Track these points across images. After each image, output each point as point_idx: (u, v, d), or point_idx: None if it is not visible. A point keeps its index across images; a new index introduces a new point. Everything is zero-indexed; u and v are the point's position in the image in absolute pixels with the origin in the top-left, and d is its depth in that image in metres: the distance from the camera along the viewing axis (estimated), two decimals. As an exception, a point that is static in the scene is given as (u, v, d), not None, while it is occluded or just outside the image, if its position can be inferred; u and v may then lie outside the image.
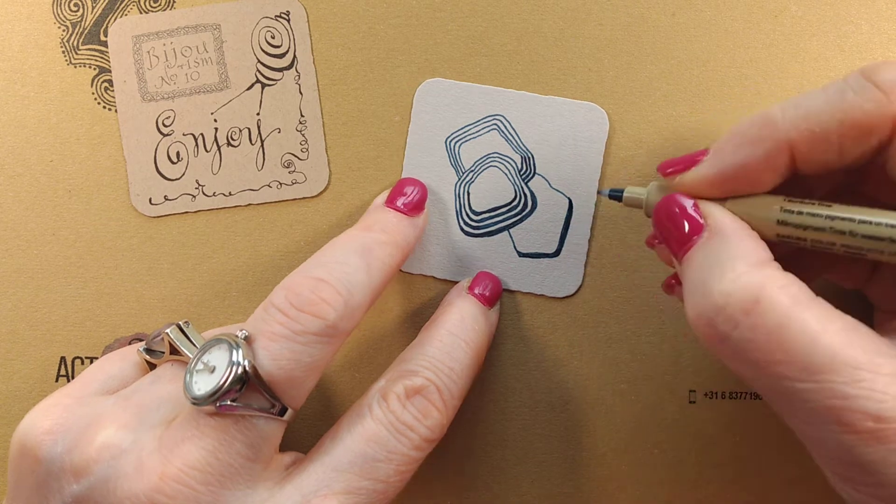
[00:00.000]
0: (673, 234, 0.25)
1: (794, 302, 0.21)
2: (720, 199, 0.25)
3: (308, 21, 0.33)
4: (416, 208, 0.31)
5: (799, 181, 0.25)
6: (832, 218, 0.23)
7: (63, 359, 0.34)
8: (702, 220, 0.24)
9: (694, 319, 0.23)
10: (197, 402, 0.25)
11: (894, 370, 0.20)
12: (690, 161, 0.25)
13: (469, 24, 0.33)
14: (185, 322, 0.28)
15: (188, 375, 0.25)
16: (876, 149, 0.22)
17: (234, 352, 0.25)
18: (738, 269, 0.22)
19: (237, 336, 0.26)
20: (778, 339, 0.21)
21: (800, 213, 0.24)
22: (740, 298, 0.22)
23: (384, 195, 0.31)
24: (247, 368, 0.25)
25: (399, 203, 0.31)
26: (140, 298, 0.34)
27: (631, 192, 0.28)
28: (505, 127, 0.33)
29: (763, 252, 0.23)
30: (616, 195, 0.28)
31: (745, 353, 0.22)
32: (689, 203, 0.25)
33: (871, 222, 0.22)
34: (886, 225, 0.22)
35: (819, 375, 0.21)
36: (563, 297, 0.33)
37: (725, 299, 0.22)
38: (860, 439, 0.20)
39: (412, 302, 0.33)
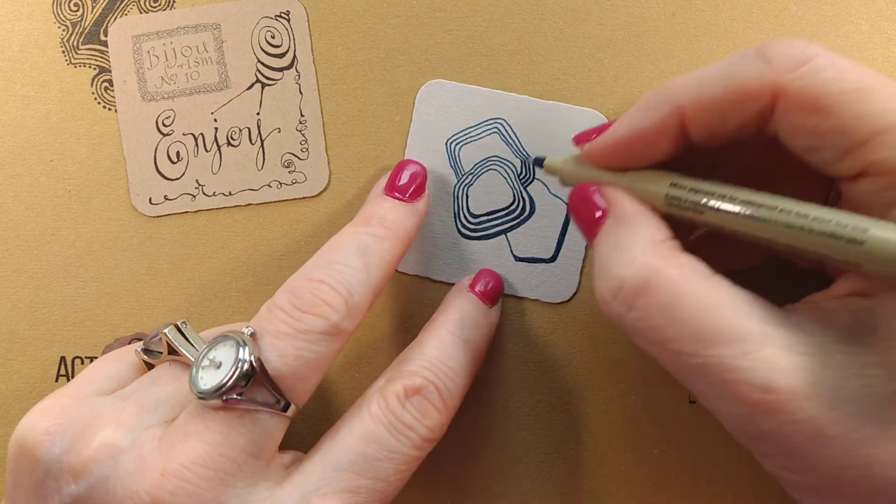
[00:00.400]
0: (583, 223, 0.26)
1: (684, 279, 0.22)
2: (621, 171, 0.26)
3: (308, 21, 0.33)
4: (415, 194, 0.31)
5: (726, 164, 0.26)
6: (707, 208, 0.24)
7: (63, 359, 0.34)
8: (604, 206, 0.26)
9: (598, 303, 0.24)
10: (203, 396, 0.25)
11: (785, 342, 0.21)
12: (599, 131, 0.26)
13: (469, 24, 0.33)
14: (183, 322, 0.28)
15: (194, 370, 0.26)
16: (758, 118, 0.23)
17: (241, 349, 0.25)
18: (634, 252, 0.23)
19: (243, 333, 0.26)
20: (669, 316, 0.22)
21: (678, 202, 0.24)
22: (632, 282, 0.23)
23: (383, 181, 0.31)
24: (253, 364, 0.25)
25: (398, 190, 0.31)
26: (140, 298, 0.34)
27: (551, 160, 0.29)
28: (506, 131, 0.33)
29: (659, 232, 0.24)
30: (539, 162, 0.29)
31: (642, 333, 0.23)
32: (593, 191, 0.26)
33: (737, 213, 0.23)
34: (753, 216, 0.22)
35: (709, 350, 0.21)
36: (559, 303, 0.33)
37: (619, 283, 0.23)
38: (753, 412, 0.21)
39: (408, 303, 0.33)
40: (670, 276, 0.22)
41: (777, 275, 0.26)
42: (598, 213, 0.26)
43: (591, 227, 0.26)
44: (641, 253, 0.23)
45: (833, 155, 0.22)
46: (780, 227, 0.21)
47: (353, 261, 0.27)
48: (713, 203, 0.23)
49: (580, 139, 0.28)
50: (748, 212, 0.22)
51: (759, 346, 0.21)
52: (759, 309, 0.22)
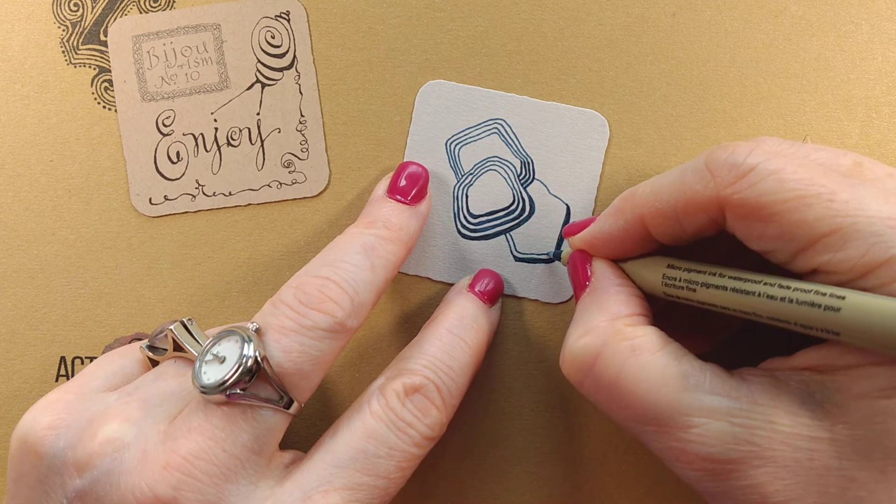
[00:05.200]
0: (574, 285, 0.29)
1: (633, 353, 0.24)
2: (622, 259, 0.28)
3: (308, 21, 0.33)
4: (417, 197, 0.31)
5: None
6: (699, 285, 0.24)
7: (63, 359, 0.34)
8: (588, 277, 0.28)
9: (560, 366, 0.26)
10: (206, 391, 0.25)
11: (731, 414, 0.22)
12: (583, 225, 0.28)
13: (469, 24, 0.33)
14: (189, 319, 0.28)
15: (198, 364, 0.26)
16: (713, 223, 0.24)
17: (246, 344, 0.25)
18: (592, 324, 0.25)
19: (248, 328, 0.26)
20: (616, 392, 0.24)
21: (673, 283, 0.25)
22: (582, 356, 0.25)
23: (385, 183, 0.31)
24: (258, 359, 0.25)
25: (399, 192, 0.31)
26: (140, 298, 0.34)
27: (566, 252, 0.30)
28: (505, 131, 0.33)
29: (626, 307, 0.26)
30: (557, 255, 0.32)
31: (595, 401, 0.25)
32: (582, 260, 0.28)
33: (725, 287, 0.23)
34: (738, 289, 0.23)
35: (654, 424, 0.23)
36: (559, 303, 0.33)
37: (573, 355, 0.25)
38: (701, 476, 0.22)
39: (408, 303, 0.33)
40: (619, 350, 0.24)
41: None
42: (583, 282, 0.28)
43: (577, 292, 0.28)
44: (597, 326, 0.25)
45: (784, 256, 0.22)
46: (764, 300, 0.22)
47: (358, 260, 0.28)
48: (703, 279, 0.24)
49: (568, 232, 0.29)
50: (734, 285, 0.23)
51: (703, 421, 0.22)
52: (708, 380, 0.23)
